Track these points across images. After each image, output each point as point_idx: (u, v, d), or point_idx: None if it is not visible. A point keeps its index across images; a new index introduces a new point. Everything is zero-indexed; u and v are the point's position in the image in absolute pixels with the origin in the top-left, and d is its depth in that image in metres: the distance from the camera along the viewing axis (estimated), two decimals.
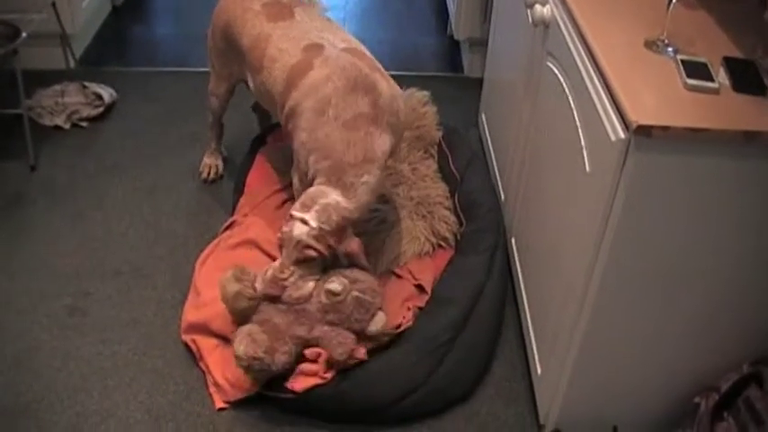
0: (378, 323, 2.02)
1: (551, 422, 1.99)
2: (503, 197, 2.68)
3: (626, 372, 1.88)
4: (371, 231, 2.46)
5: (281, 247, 2.04)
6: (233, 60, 2.52)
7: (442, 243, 2.51)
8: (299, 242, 1.98)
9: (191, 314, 2.24)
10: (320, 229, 1.98)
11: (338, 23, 2.45)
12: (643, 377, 1.89)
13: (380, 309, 2.04)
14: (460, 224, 2.57)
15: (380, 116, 2.10)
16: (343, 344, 1.97)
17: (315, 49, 2.21)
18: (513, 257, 2.46)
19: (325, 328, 2.00)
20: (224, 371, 2.09)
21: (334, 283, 1.99)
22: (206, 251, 2.45)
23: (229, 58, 2.53)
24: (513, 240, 2.50)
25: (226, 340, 2.13)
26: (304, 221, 1.99)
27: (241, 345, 1.94)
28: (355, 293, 1.99)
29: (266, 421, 2.05)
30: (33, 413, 2.04)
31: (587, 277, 1.71)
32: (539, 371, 2.08)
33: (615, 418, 1.95)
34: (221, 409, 2.08)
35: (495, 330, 2.31)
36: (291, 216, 2.01)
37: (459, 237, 2.53)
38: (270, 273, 2.01)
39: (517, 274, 2.39)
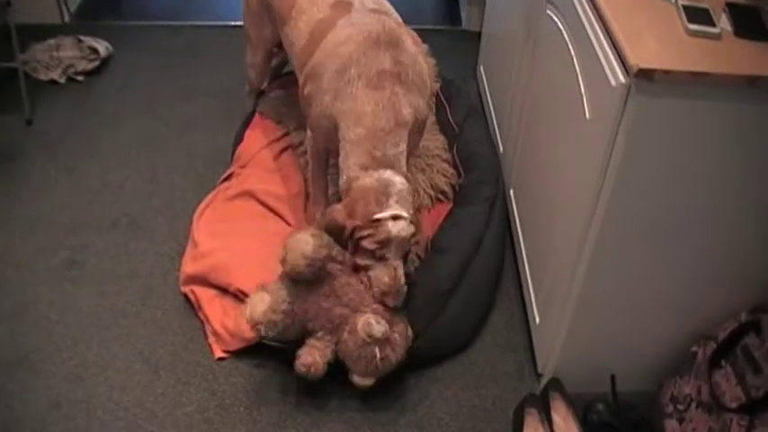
0: (361, 381, 1.94)
1: (549, 371, 2.00)
2: (501, 149, 2.67)
3: (624, 321, 1.88)
4: None
5: (380, 256, 1.91)
6: (267, 22, 2.45)
7: (441, 196, 2.50)
8: (403, 238, 1.89)
9: (189, 266, 2.23)
10: (410, 215, 1.92)
11: None
12: (641, 326, 1.89)
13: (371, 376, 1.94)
14: (459, 176, 2.56)
15: (404, 74, 1.99)
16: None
17: (343, 6, 2.13)
18: (512, 209, 2.45)
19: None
20: (223, 320, 2.09)
21: (378, 327, 1.87)
22: (203, 203, 2.44)
23: (264, 19, 2.47)
24: (511, 192, 2.49)
25: (224, 291, 2.13)
26: (396, 217, 1.89)
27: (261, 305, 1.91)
28: (376, 349, 1.89)
29: (265, 370, 2.07)
30: (32, 364, 2.05)
31: (586, 225, 1.70)
32: (537, 320, 2.09)
33: (613, 366, 1.96)
34: (220, 359, 2.09)
35: (494, 281, 2.31)
36: (376, 221, 1.87)
37: (457, 189, 2.53)
38: (391, 287, 1.91)
39: (516, 226, 2.39)
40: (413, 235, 1.93)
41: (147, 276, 2.32)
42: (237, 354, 2.09)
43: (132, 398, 1.99)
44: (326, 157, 2.27)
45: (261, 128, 2.64)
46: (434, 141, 2.65)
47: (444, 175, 2.55)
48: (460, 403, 2.02)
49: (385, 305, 1.94)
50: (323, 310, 1.95)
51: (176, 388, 2.02)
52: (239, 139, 2.64)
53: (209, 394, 2.00)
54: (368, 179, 1.91)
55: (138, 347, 2.12)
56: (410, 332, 1.98)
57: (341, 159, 1.99)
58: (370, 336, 1.87)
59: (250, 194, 2.40)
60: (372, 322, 1.88)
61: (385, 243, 1.89)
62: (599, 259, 1.73)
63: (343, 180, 1.98)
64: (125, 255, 2.39)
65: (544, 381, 2.02)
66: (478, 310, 2.22)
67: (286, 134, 2.61)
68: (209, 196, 2.46)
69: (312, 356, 1.90)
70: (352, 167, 1.95)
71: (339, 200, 2.41)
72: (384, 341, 1.90)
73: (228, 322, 2.08)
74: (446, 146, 2.66)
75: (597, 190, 1.63)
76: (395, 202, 1.89)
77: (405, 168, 1.98)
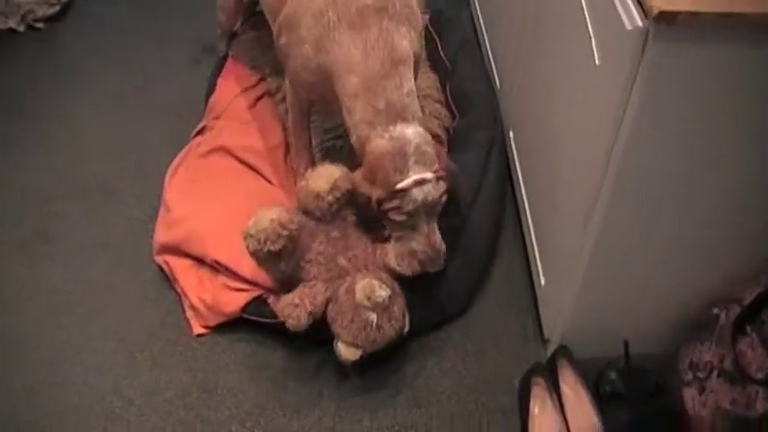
0: (345, 351, 1.76)
1: (557, 337, 1.84)
2: (498, 84, 2.45)
3: (639, 282, 1.70)
4: None
5: (411, 225, 1.73)
6: None
7: (434, 141, 2.30)
8: (432, 202, 1.71)
9: (161, 233, 2.05)
10: (435, 173, 1.72)
11: None
12: (657, 287, 1.72)
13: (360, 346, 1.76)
14: (453, 118, 2.36)
15: (390, 5, 1.76)
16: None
17: None
18: (512, 153, 2.25)
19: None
20: (200, 294, 1.92)
21: (381, 291, 1.71)
22: (176, 160, 2.24)
23: None
24: (510, 134, 2.28)
25: (200, 261, 1.96)
26: (420, 182, 1.69)
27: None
28: (373, 316, 1.72)
29: (248, 345, 1.91)
30: (6, 349, 1.90)
31: (599, 179, 1.50)
32: (542, 282, 1.92)
33: (625, 329, 1.79)
34: (200, 335, 1.93)
35: (494, 235, 2.13)
36: (399, 191, 1.68)
37: (451, 132, 2.33)
38: (428, 255, 1.75)
39: (516, 173, 2.19)
40: (443, 193, 1.74)
41: (119, 245, 2.14)
42: (217, 328, 1.93)
43: (108, 383, 1.83)
44: (309, 108, 2.06)
45: (234, 74, 2.42)
46: (425, 80, 2.43)
47: (437, 118, 2.35)
48: (461, 374, 1.87)
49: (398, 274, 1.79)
50: (325, 255, 1.79)
51: (153, 371, 1.86)
52: (211, 88, 2.42)
53: (190, 376, 1.85)
54: (379, 140, 1.70)
55: (113, 326, 1.95)
56: (407, 318, 1.81)
57: (344, 115, 1.78)
58: (369, 299, 1.70)
59: (225, 150, 2.19)
60: (376, 285, 1.71)
61: (414, 213, 1.71)
62: (614, 216, 1.54)
63: (353, 138, 1.78)
64: (96, 222, 2.20)
65: (551, 347, 1.86)
66: (477, 269, 2.05)
67: (261, 80, 2.39)
68: (182, 153, 2.26)
69: (300, 299, 1.75)
70: (359, 125, 1.74)
71: (325, 150, 2.23)
72: (383, 310, 1.73)
73: (206, 296, 1.90)
74: (438, 84, 2.45)
75: (611, 142, 1.43)
76: (414, 162, 1.69)
77: (417, 110, 1.77)
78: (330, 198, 1.76)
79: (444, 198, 1.76)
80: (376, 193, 1.71)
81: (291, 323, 1.74)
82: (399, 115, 1.72)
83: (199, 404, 1.80)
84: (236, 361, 1.88)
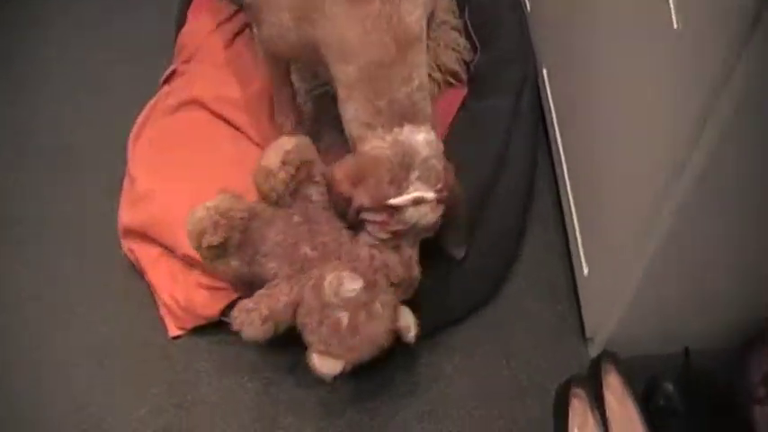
0: (319, 363, 1.41)
1: (602, 337, 1.52)
2: (529, 6, 2.03)
3: (712, 278, 1.36)
4: None
5: (392, 245, 1.42)
6: None
7: (451, 79, 1.92)
8: (424, 227, 1.40)
9: (126, 213, 1.70)
10: (438, 192, 1.38)
11: None
12: (732, 284, 1.38)
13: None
14: (474, 50, 1.96)
15: None
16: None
17: None
18: (547, 97, 1.86)
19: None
20: (172, 290, 1.61)
21: (350, 283, 1.39)
22: (141, 117, 1.85)
23: None
24: (544, 72, 1.88)
25: (170, 250, 1.63)
26: (419, 201, 1.37)
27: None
28: (345, 315, 1.39)
29: (233, 347, 1.60)
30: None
31: (684, 155, 1.12)
32: (585, 270, 1.58)
33: (686, 328, 1.48)
34: (176, 337, 1.63)
35: (526, 202, 1.77)
36: (390, 206, 1.36)
37: (472, 69, 1.93)
38: (403, 280, 1.43)
39: (552, 125, 1.81)
40: (439, 218, 1.41)
41: (87, 224, 1.81)
42: (196, 329, 1.63)
43: (73, 400, 1.56)
44: (288, 62, 1.68)
45: (206, 6, 1.99)
46: (439, 2, 2.01)
47: (454, 50, 1.95)
48: (485, 381, 1.57)
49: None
50: (284, 245, 1.45)
51: (124, 382, 1.58)
52: (180, 22, 2.00)
53: (166, 388, 1.57)
54: (378, 142, 1.35)
55: (80, 326, 1.66)
56: (412, 319, 1.47)
57: (339, 102, 1.42)
58: (337, 295, 1.39)
59: (198, 103, 1.81)
60: (345, 277, 1.39)
61: (400, 234, 1.39)
62: (692, 206, 1.18)
63: (346, 133, 1.43)
64: (61, 198, 1.86)
65: (594, 347, 1.56)
66: (505, 247, 1.70)
67: (239, 10, 1.98)
68: (148, 106, 1.87)
69: (256, 302, 1.42)
70: (354, 123, 1.39)
71: (315, 98, 1.85)
72: (357, 307, 1.39)
73: (179, 294, 1.59)
74: (455, 8, 2.03)
75: (701, 120, 1.04)
76: (416, 177, 1.35)
77: (428, 107, 1.40)
78: (282, 175, 1.43)
79: (438, 224, 1.42)
80: (358, 200, 1.37)
81: (246, 332, 1.42)
82: (406, 116, 1.36)
83: (176, 426, 1.52)
84: (218, 368, 1.59)
